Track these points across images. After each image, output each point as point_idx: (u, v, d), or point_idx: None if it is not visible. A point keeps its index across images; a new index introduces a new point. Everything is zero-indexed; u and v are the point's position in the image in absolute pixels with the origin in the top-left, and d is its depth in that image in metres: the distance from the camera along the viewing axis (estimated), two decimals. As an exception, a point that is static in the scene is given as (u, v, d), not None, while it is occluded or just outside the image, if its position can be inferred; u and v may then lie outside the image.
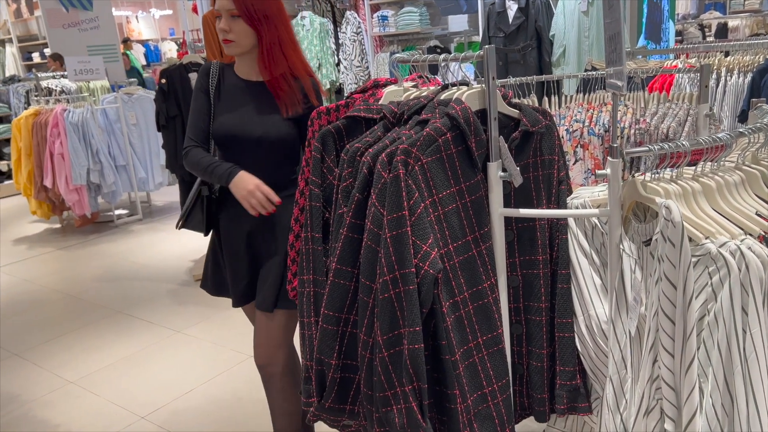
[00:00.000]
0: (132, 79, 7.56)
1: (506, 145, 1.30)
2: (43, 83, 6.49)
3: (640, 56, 3.36)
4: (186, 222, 2.10)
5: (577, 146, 2.05)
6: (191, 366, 3.15)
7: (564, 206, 1.42)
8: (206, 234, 2.10)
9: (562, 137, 2.12)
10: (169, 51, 12.39)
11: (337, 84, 6.85)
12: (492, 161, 1.32)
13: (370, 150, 1.31)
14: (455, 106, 1.26)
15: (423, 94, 1.41)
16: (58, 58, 7.09)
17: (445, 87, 1.40)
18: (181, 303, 4.01)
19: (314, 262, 1.48)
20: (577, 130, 2.08)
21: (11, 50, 10.56)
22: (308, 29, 6.78)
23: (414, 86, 1.55)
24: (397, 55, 1.58)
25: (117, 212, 6.17)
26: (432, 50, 6.21)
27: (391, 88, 1.53)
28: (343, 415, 1.41)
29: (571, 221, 1.40)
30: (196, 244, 5.02)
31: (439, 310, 1.23)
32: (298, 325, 1.83)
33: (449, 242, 1.26)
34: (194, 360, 3.21)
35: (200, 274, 4.37)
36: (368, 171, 1.29)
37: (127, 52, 10.80)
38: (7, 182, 7.40)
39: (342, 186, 1.37)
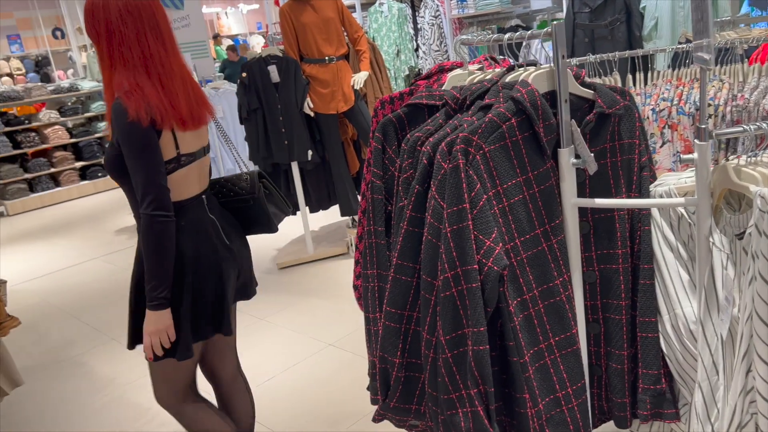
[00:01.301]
0: (220, 74, 7.82)
1: (578, 129, 1.20)
2: (139, 81, 6.83)
3: (743, 24, 3.06)
4: None
5: (664, 127, 1.88)
6: (273, 353, 3.22)
7: (646, 194, 1.29)
8: None
9: (648, 117, 1.95)
10: (257, 45, 12.76)
11: (416, 70, 6.77)
12: (563, 147, 1.22)
13: (431, 139, 1.25)
14: (520, 88, 1.17)
15: (487, 78, 1.32)
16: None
17: (511, 68, 1.31)
18: (264, 291, 4.11)
19: (377, 257, 1.44)
20: (664, 109, 1.90)
21: (112, 51, 11.20)
22: (386, 16, 6.73)
23: (479, 69, 1.47)
24: (461, 37, 1.49)
25: (207, 203, 6.43)
26: (513, 30, 5.99)
27: (456, 72, 1.46)
28: (409, 415, 1.37)
29: (654, 211, 1.28)
30: (281, 233, 5.14)
31: (505, 309, 1.15)
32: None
33: (516, 236, 1.18)
34: (276, 348, 3.29)
35: (284, 262, 4.49)
36: (428, 161, 1.23)
37: (217, 47, 11.22)
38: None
39: (402, 177, 1.31)
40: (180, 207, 1.71)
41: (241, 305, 3.87)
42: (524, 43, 6.09)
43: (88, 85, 8.44)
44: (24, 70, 11.49)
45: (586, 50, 5.02)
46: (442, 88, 1.42)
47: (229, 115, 6.23)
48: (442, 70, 1.59)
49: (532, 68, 1.26)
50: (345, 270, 4.28)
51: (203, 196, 1.79)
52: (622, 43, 4.87)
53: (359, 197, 4.63)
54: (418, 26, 6.68)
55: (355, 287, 1.70)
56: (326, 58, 4.14)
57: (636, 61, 2.13)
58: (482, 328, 1.11)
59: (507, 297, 1.15)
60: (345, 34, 4.28)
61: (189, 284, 1.72)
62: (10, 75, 11.08)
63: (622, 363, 1.32)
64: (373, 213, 1.43)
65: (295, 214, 4.79)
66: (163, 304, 1.65)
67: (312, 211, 4.69)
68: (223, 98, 6.21)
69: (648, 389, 1.31)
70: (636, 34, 4.85)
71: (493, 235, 1.12)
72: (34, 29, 11.78)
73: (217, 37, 11.91)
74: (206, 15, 12.19)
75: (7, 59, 11.35)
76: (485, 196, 1.13)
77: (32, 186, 7.75)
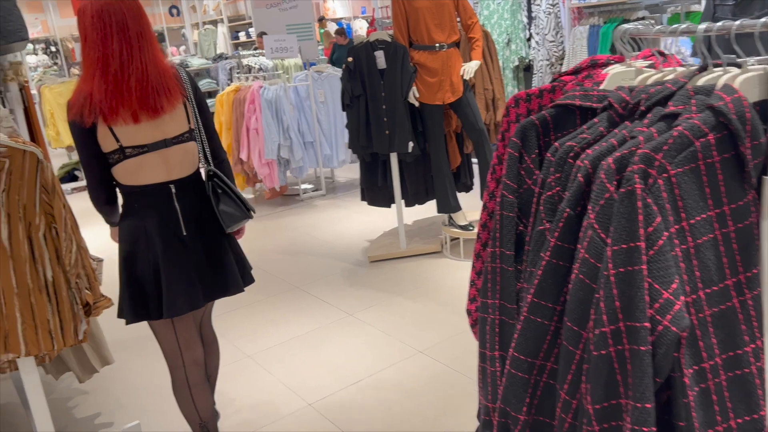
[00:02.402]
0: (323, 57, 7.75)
1: (795, 152, 0.91)
2: (245, 61, 6.90)
3: None
4: None
5: None
6: (360, 354, 3.07)
7: None
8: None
9: None
10: (360, 29, 12.71)
11: (527, 61, 6.39)
12: (770, 174, 0.93)
13: (589, 151, 1.00)
14: (724, 95, 0.89)
15: (668, 78, 1.05)
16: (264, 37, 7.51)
17: (703, 68, 1.03)
18: (353, 284, 3.98)
19: (502, 284, 1.21)
20: None
21: (222, 30, 11.53)
22: (499, 2, 6.39)
23: (649, 66, 1.19)
24: (627, 25, 1.22)
25: (303, 187, 6.40)
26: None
27: (618, 68, 1.19)
28: (529, 480, 1.14)
29: None
30: (374, 224, 5.00)
31: (678, 379, 0.89)
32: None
33: (700, 287, 0.91)
34: (363, 348, 3.13)
35: (375, 256, 4.34)
36: (585, 179, 0.98)
37: (322, 30, 11.24)
38: (211, 153, 8.08)
39: (546, 195, 1.07)
40: (137, 191, 1.92)
41: (329, 297, 3.77)
42: (650, 39, 5.56)
43: (197, 62, 8.67)
44: (141, 46, 12.01)
45: (724, 49, 4.48)
46: (602, 88, 1.15)
47: (331, 100, 6.13)
48: (594, 64, 1.32)
49: (734, 69, 0.97)
50: (437, 270, 4.06)
51: (171, 185, 1.93)
52: (771, 40, 4.29)
53: (459, 196, 4.38)
54: (533, 15, 6.29)
55: (468, 312, 1.48)
56: (437, 45, 3.90)
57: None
58: (648, 405, 0.86)
59: (682, 365, 0.88)
60: (458, 20, 4.02)
61: (123, 260, 1.96)
62: (128, 50, 11.61)
63: (819, 457, 1.02)
64: (501, 233, 1.20)
65: (389, 206, 4.62)
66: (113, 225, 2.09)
67: (407, 205, 4.50)
68: (326, 82, 6.12)
69: None
70: (790, 31, 4.26)
71: (674, 285, 0.86)
72: (152, 6, 12.30)
73: (322, 20, 11.93)
74: (313, -2, 12.23)
75: (127, 35, 11.90)
76: (666, 234, 0.87)
77: (140, 158, 8.07)
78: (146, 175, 1.91)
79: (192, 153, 2.00)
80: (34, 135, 3.53)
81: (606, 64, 1.30)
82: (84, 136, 1.84)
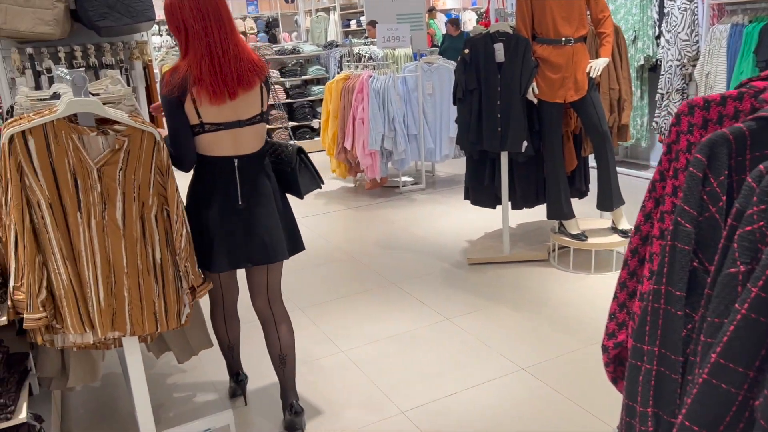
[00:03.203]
0: (434, 48, 7.58)
1: None
2: (355, 49, 6.86)
3: None
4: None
5: None
6: (456, 363, 2.91)
7: None
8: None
9: None
10: (469, 21, 12.41)
11: (653, 60, 5.91)
12: None
13: (813, 181, 0.78)
14: None
15: None
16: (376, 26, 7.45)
17: None
18: (452, 286, 3.81)
19: (665, 330, 1.00)
20: None
21: (334, 17, 11.62)
22: (629, -4, 5.94)
23: None
24: None
25: (403, 179, 6.29)
26: (793, 22, 4.89)
27: (843, 75, 0.94)
28: None
29: None
30: (474, 224, 4.80)
31: None
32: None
33: None
34: (460, 357, 2.96)
35: (475, 258, 4.14)
36: (808, 218, 0.76)
37: (430, 21, 11.07)
38: (316, 138, 8.13)
39: (743, 231, 0.86)
40: (207, 161, 2.19)
41: (426, 298, 3.63)
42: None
43: (308, 48, 8.75)
44: (256, 30, 12.39)
45: None
46: (823, 99, 0.92)
47: (438, 93, 5.95)
48: (800, 69, 1.07)
49: None
50: (543, 279, 3.81)
51: (235, 160, 2.18)
52: None
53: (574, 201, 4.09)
54: (665, 11, 5.79)
55: (605, 348, 1.28)
56: (563, 39, 3.62)
57: None
58: None
59: None
60: (587, 13, 3.72)
61: (192, 221, 2.14)
62: (244, 33, 12.00)
63: None
64: (671, 268, 0.99)
65: (494, 207, 4.40)
66: None
67: (514, 207, 4.26)
68: (435, 74, 5.94)
69: None
70: None
71: None
72: (269, -8, 12.62)
73: (431, 11, 11.74)
74: (426, -12, 12.05)
75: (243, 19, 12.32)
76: None
77: (247, 140, 8.25)
78: (218, 148, 2.17)
79: (261, 133, 2.25)
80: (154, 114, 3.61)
81: (817, 70, 1.05)
82: (177, 107, 2.09)
